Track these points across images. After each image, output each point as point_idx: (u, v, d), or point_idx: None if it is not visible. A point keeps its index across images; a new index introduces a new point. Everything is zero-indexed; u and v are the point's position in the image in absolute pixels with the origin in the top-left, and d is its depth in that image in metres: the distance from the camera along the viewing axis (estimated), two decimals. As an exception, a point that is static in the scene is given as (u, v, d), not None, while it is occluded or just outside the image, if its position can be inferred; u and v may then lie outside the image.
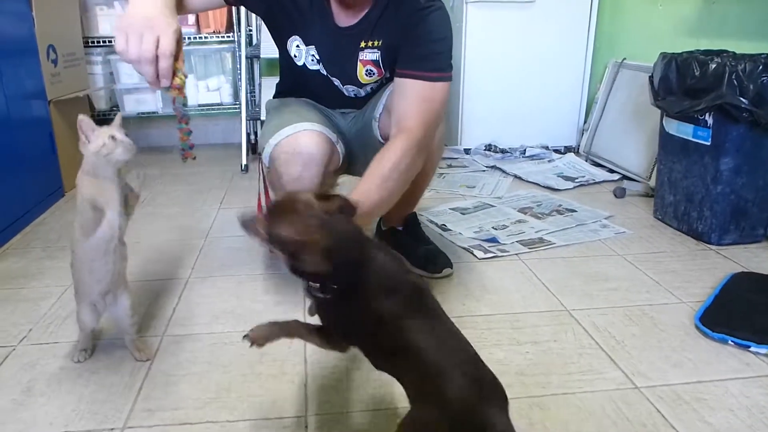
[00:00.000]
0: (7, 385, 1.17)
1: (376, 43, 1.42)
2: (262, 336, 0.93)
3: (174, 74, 1.09)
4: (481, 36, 2.79)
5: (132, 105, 3.00)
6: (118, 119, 1.14)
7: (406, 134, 1.29)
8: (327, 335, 0.94)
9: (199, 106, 3.13)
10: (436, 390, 0.77)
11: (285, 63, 1.54)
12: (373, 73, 1.47)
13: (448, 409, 0.76)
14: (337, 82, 1.50)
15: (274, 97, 1.67)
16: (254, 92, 3.20)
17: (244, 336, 0.92)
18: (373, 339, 0.86)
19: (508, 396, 1.12)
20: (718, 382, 1.16)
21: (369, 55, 1.44)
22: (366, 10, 1.40)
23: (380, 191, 1.22)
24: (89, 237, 1.11)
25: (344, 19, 1.41)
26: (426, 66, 1.33)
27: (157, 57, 1.05)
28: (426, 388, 0.79)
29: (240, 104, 3.00)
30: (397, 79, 1.37)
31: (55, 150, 2.35)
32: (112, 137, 1.09)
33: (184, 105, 1.14)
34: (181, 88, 1.12)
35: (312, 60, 1.48)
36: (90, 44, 2.89)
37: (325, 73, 1.49)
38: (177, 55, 1.08)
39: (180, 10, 1.28)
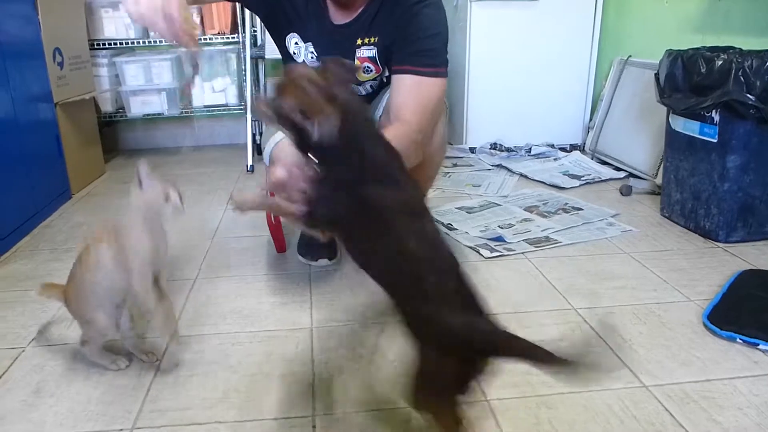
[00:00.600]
0: (17, 386, 1.18)
1: (372, 40, 1.43)
2: (245, 201, 0.94)
3: (186, 21, 1.06)
4: (486, 34, 2.78)
5: (138, 107, 3.01)
6: (174, 182, 1.11)
7: (399, 122, 1.29)
8: (310, 216, 0.89)
9: (205, 107, 3.14)
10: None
11: (285, 62, 1.55)
12: (371, 70, 1.47)
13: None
14: None
15: None
16: (259, 93, 3.21)
17: (230, 200, 0.91)
18: (355, 227, 0.85)
19: (515, 395, 1.12)
20: (726, 380, 1.16)
21: (366, 52, 1.45)
22: (361, 8, 1.40)
23: None
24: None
25: (340, 16, 1.42)
26: (420, 61, 1.33)
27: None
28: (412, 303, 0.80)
29: (245, 105, 3.01)
30: (394, 76, 1.37)
31: (62, 152, 2.36)
32: (167, 195, 1.08)
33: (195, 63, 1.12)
34: (195, 38, 1.10)
35: (311, 57, 1.49)
36: (95, 47, 2.90)
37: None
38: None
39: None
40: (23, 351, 1.30)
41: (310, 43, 1.46)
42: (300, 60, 1.50)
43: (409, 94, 1.33)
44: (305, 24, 1.44)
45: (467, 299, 0.82)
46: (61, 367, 1.23)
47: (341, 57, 1.43)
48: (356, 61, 1.46)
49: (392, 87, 1.38)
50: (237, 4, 1.45)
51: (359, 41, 1.44)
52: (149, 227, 1.10)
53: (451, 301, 0.80)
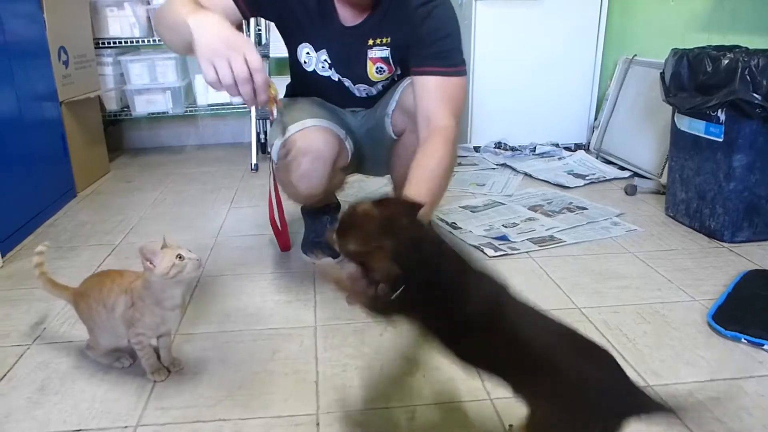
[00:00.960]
0: (22, 383, 1.18)
1: (384, 40, 1.43)
2: (326, 272, 0.97)
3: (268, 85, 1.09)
4: (491, 33, 2.78)
5: (142, 105, 3.02)
6: (165, 241, 1.09)
7: (443, 133, 1.28)
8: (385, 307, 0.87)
9: (209, 105, 3.15)
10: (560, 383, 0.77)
11: (295, 69, 1.55)
12: (384, 71, 1.47)
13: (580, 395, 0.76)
14: (348, 83, 1.51)
15: (285, 95, 1.67)
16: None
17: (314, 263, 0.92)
18: (459, 337, 0.84)
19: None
20: (731, 380, 1.15)
21: (378, 52, 1.45)
22: (370, 9, 1.40)
23: (431, 193, 1.18)
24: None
25: (349, 18, 1.42)
26: (444, 63, 1.34)
27: (250, 75, 1.04)
28: (544, 382, 0.78)
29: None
30: (416, 78, 1.36)
31: (67, 151, 2.36)
32: (179, 256, 1.05)
33: (280, 113, 1.14)
34: (276, 98, 1.12)
35: (323, 67, 1.49)
36: (100, 45, 2.91)
37: (336, 78, 1.50)
38: None
39: None
40: (28, 348, 1.30)
41: (323, 51, 1.46)
42: (310, 69, 1.50)
43: (439, 97, 1.32)
44: (316, 29, 1.44)
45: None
46: (65, 364, 1.24)
47: (353, 59, 1.44)
48: (368, 62, 1.46)
49: (417, 89, 1.36)
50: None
51: (370, 41, 1.44)
52: (164, 301, 1.10)
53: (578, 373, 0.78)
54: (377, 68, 1.48)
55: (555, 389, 0.77)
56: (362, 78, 1.49)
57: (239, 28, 1.39)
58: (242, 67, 1.03)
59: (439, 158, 1.23)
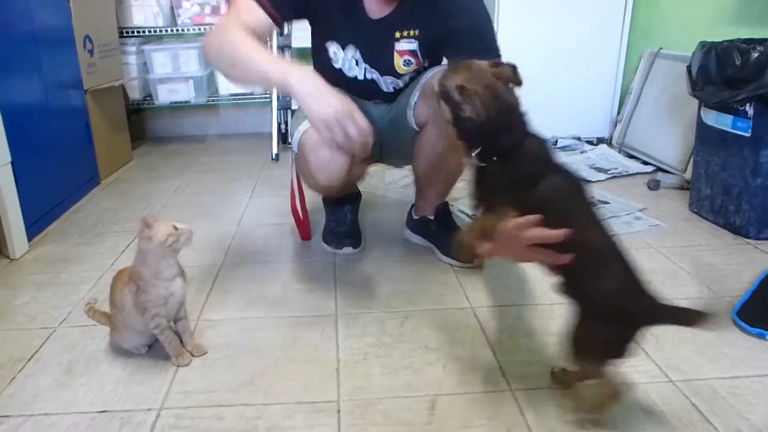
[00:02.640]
0: (49, 365, 1.20)
1: (412, 32, 1.42)
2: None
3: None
4: (514, 24, 2.75)
5: (165, 94, 3.04)
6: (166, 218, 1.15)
7: None
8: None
9: (231, 95, 3.16)
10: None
11: (322, 66, 1.55)
12: (411, 63, 1.47)
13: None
14: (376, 75, 1.51)
15: None
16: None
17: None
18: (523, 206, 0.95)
19: (540, 385, 1.12)
20: (755, 377, 1.14)
21: (405, 45, 1.45)
22: (397, 1, 1.40)
23: None
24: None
25: (376, 10, 1.42)
26: (491, 55, 1.35)
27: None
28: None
29: (271, 94, 3.02)
30: None
31: (91, 139, 2.39)
32: (174, 227, 1.11)
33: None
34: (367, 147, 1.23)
35: (350, 66, 1.49)
36: (124, 34, 2.93)
37: (362, 77, 1.50)
38: None
39: None
40: (54, 331, 1.33)
41: (350, 47, 1.47)
42: (338, 66, 1.51)
43: None
44: (343, 23, 1.44)
45: (627, 273, 0.95)
46: (91, 347, 1.26)
47: (380, 51, 1.44)
48: (395, 55, 1.46)
49: None
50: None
51: (398, 34, 1.44)
52: (162, 271, 1.13)
53: (616, 274, 0.94)
54: (405, 61, 1.48)
55: (598, 286, 0.93)
56: (390, 70, 1.50)
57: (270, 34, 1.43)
58: (356, 133, 1.15)
59: None
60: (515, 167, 0.97)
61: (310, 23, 1.51)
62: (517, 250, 0.97)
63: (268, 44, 1.41)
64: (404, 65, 1.48)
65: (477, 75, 0.96)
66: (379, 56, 1.48)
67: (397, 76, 1.51)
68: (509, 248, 0.98)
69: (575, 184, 0.98)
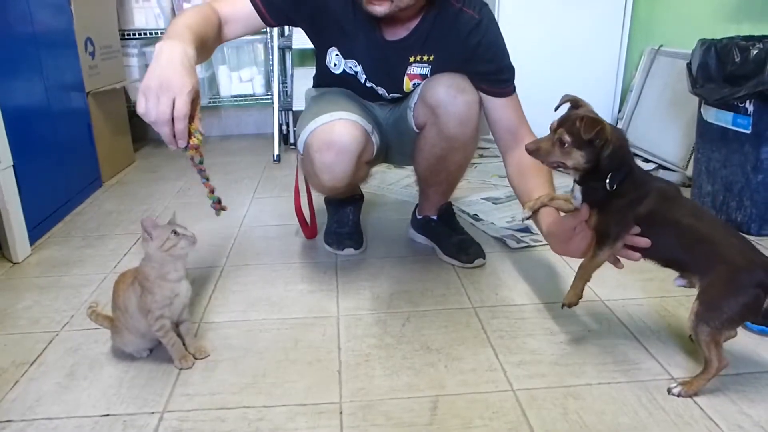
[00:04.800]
0: (52, 368, 1.21)
1: (426, 58, 1.43)
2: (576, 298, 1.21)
3: (190, 134, 1.09)
4: (514, 22, 2.75)
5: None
6: (174, 217, 1.17)
7: (528, 140, 1.39)
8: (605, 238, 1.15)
9: (232, 96, 3.17)
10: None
11: (322, 69, 1.55)
12: (419, 84, 1.48)
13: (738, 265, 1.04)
14: (382, 91, 1.51)
15: (313, 86, 1.68)
16: (286, 83, 3.22)
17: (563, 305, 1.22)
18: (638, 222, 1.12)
19: (542, 386, 1.12)
20: (758, 374, 1.14)
21: (417, 69, 1.46)
22: (415, 24, 1.40)
23: (551, 184, 1.41)
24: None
25: (391, 32, 1.41)
26: (507, 84, 1.46)
27: (173, 119, 1.05)
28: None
29: (272, 95, 3.03)
30: (486, 97, 1.46)
31: (93, 141, 2.40)
32: (174, 232, 1.11)
33: (201, 162, 1.16)
34: (198, 147, 1.12)
35: (351, 69, 1.49)
36: (126, 36, 2.94)
37: (363, 80, 1.50)
38: (193, 115, 1.09)
39: (217, 42, 1.32)
40: (57, 335, 1.33)
41: (352, 60, 1.48)
42: (338, 72, 1.51)
43: (513, 116, 1.48)
44: (352, 39, 1.43)
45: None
46: (93, 350, 1.26)
47: (390, 72, 1.45)
48: (405, 78, 1.48)
49: (490, 107, 1.48)
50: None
51: (411, 58, 1.44)
52: (168, 273, 1.13)
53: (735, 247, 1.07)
54: (414, 83, 1.48)
55: (722, 263, 1.05)
56: (397, 89, 1.51)
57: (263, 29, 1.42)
58: (165, 110, 1.04)
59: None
60: (632, 189, 1.11)
61: (308, 30, 1.49)
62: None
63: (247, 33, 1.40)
64: (412, 87, 1.49)
65: (591, 112, 1.11)
66: (388, 76, 1.48)
67: (404, 93, 1.52)
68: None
69: (672, 189, 1.14)
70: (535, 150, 1.15)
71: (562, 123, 1.11)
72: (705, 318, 1.03)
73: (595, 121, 1.06)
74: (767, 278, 1.02)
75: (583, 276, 1.19)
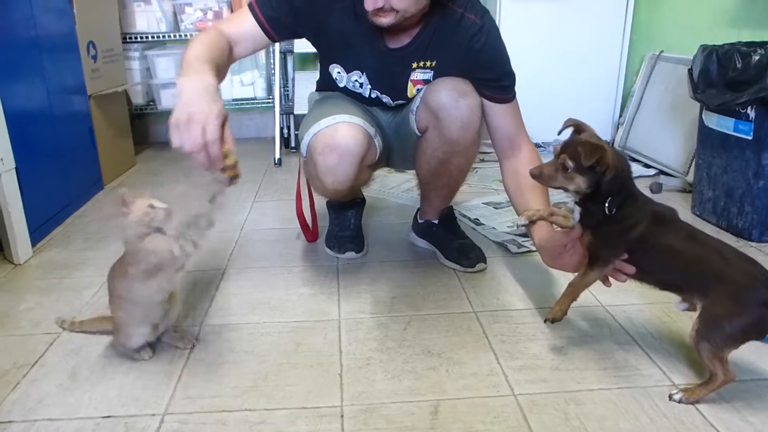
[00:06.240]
0: (54, 370, 1.20)
1: (429, 63, 1.44)
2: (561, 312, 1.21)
3: (225, 156, 1.13)
4: (515, 28, 2.75)
5: (168, 99, 3.05)
6: (147, 195, 1.18)
7: (526, 148, 1.50)
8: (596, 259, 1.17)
9: (233, 100, 3.17)
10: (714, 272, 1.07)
11: (326, 76, 1.56)
12: (422, 89, 1.48)
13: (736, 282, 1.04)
14: (386, 99, 1.52)
15: (316, 90, 1.68)
16: (288, 87, 3.22)
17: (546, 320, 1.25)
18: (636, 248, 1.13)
19: (543, 391, 1.12)
20: (760, 381, 1.14)
21: (420, 74, 1.47)
22: (417, 30, 1.40)
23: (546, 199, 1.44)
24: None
25: (394, 40, 1.42)
26: (507, 90, 1.47)
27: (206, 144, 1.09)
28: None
29: (273, 99, 3.03)
30: (487, 103, 1.47)
31: (95, 144, 2.40)
32: (151, 206, 1.13)
33: (236, 177, 1.21)
34: (234, 166, 1.16)
35: (354, 85, 1.50)
36: (128, 40, 2.94)
37: (367, 95, 1.52)
38: (224, 137, 1.13)
39: (229, 63, 1.35)
40: (58, 336, 1.33)
41: (355, 72, 1.49)
42: (342, 85, 1.53)
43: (512, 123, 1.50)
44: (356, 50, 1.45)
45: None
46: (95, 352, 1.26)
47: (394, 79, 1.46)
48: (409, 84, 1.48)
49: (490, 113, 1.48)
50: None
51: (414, 64, 1.45)
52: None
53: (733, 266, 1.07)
54: (417, 89, 1.49)
55: (722, 282, 1.05)
56: (400, 95, 1.51)
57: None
58: (197, 139, 1.08)
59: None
60: (630, 214, 1.12)
61: (314, 43, 1.51)
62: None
63: (256, 53, 1.42)
64: (416, 92, 1.50)
65: (594, 137, 1.14)
66: (391, 83, 1.49)
67: (407, 100, 1.53)
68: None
69: (668, 213, 1.15)
70: (538, 175, 1.17)
71: (565, 148, 1.13)
72: (705, 336, 1.03)
73: (596, 147, 1.07)
74: None
75: (572, 294, 1.21)
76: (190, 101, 1.11)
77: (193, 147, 1.09)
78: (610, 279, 1.20)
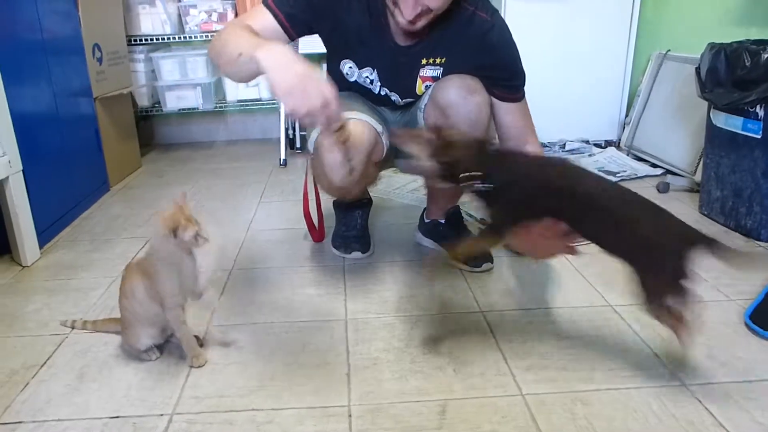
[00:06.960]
0: (62, 370, 1.21)
1: (438, 60, 1.44)
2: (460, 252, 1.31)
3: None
4: (521, 27, 2.71)
5: (173, 101, 3.06)
6: (203, 219, 1.15)
7: (532, 148, 1.49)
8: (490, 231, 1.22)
9: (238, 101, 3.18)
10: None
11: (334, 74, 1.55)
12: (431, 86, 1.48)
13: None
14: (395, 97, 1.52)
15: None
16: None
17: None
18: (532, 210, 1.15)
19: (551, 390, 1.11)
20: (768, 380, 1.13)
21: (429, 71, 1.46)
22: (427, 27, 1.40)
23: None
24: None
25: (403, 37, 1.42)
26: (517, 89, 1.47)
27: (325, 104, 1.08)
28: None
29: (278, 100, 3.03)
30: (496, 101, 1.47)
31: (101, 146, 2.41)
32: (198, 234, 1.11)
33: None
34: (345, 127, 1.19)
35: (365, 80, 1.50)
36: (133, 42, 2.95)
37: (377, 92, 1.51)
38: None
39: None
40: (66, 337, 1.33)
41: (366, 69, 1.49)
42: (352, 79, 1.52)
43: (521, 122, 1.50)
44: (368, 46, 1.44)
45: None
46: (103, 353, 1.26)
47: (403, 76, 1.46)
48: (418, 80, 1.48)
49: (499, 111, 1.49)
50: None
51: (424, 61, 1.45)
52: (172, 266, 1.14)
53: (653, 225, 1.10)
54: (426, 86, 1.49)
55: (634, 241, 1.08)
56: (409, 93, 1.51)
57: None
58: (315, 101, 1.06)
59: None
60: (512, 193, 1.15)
61: (325, 40, 1.50)
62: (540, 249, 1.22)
63: None
64: (425, 89, 1.49)
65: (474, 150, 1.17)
66: (401, 80, 1.49)
67: (416, 97, 1.52)
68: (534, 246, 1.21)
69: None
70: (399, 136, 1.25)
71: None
72: (644, 300, 1.09)
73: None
74: (682, 245, 1.07)
75: (476, 244, 1.35)
76: (292, 65, 1.08)
77: (311, 108, 1.06)
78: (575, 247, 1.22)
